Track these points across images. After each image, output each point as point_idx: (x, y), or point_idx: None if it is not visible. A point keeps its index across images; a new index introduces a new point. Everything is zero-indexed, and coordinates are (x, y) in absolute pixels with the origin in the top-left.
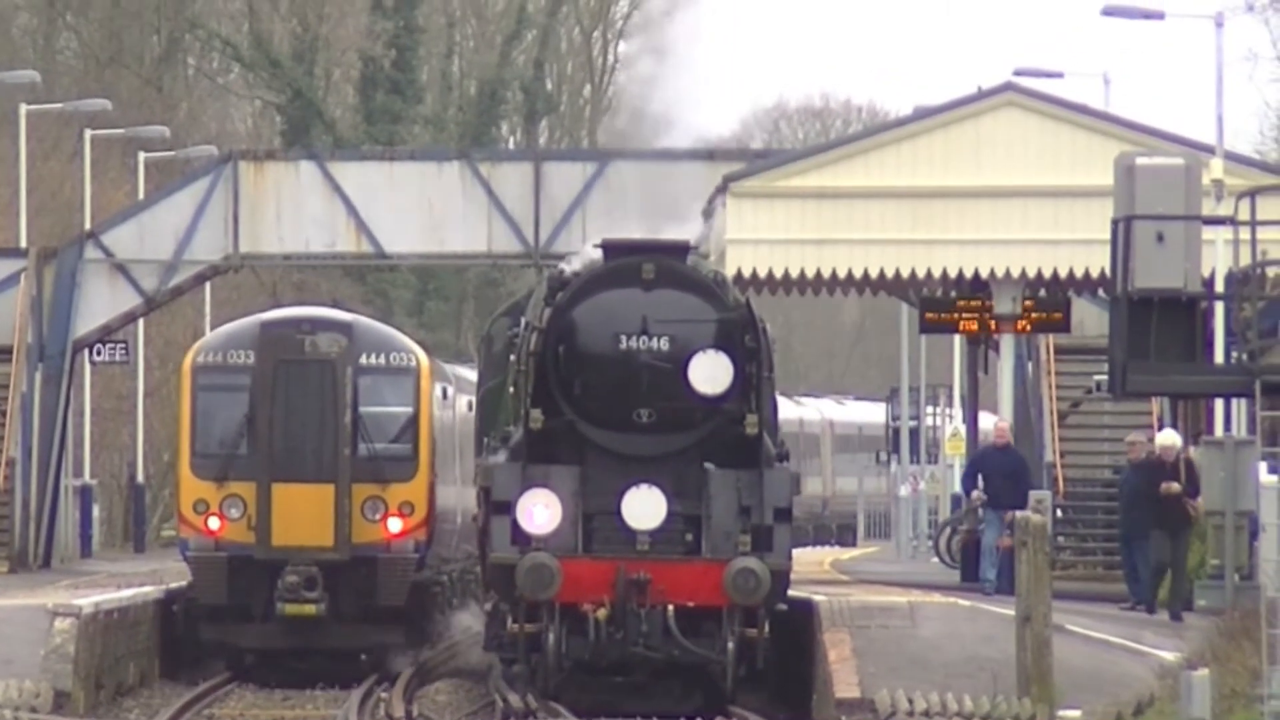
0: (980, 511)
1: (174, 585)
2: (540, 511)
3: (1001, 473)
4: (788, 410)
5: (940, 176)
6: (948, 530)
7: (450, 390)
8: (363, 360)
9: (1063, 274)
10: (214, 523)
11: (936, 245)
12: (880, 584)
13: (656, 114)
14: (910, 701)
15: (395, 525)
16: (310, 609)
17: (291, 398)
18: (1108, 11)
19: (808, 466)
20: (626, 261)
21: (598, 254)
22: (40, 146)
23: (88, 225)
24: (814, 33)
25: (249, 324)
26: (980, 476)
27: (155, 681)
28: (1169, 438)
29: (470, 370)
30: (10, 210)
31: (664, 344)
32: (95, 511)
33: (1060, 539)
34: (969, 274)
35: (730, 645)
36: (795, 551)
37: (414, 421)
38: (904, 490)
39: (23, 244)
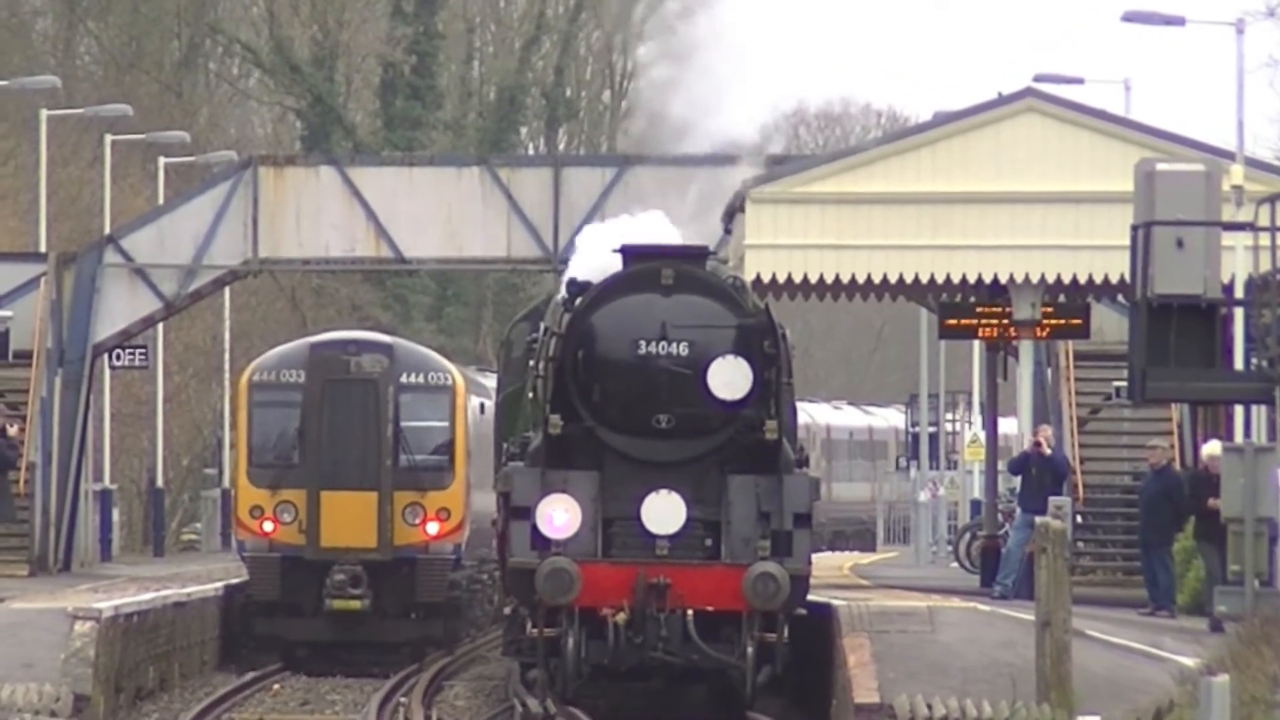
0: (1002, 515)
1: (233, 582)
2: (560, 516)
3: (1040, 479)
4: None
5: (960, 182)
6: (967, 535)
7: (487, 404)
8: (403, 379)
9: (1082, 280)
10: (268, 526)
11: (956, 251)
12: (899, 589)
13: (675, 119)
14: (929, 707)
15: (433, 528)
16: (356, 604)
17: (338, 413)
18: (1128, 17)
19: None
20: (646, 267)
21: (602, 250)
22: (60, 151)
23: (107, 230)
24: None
25: (300, 346)
26: (1020, 479)
27: (200, 673)
28: (1216, 448)
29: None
30: (30, 215)
31: (683, 349)
32: (115, 516)
33: (1080, 544)
34: (988, 279)
35: (749, 650)
36: (814, 556)
37: (450, 434)
38: (923, 495)
39: (43, 249)
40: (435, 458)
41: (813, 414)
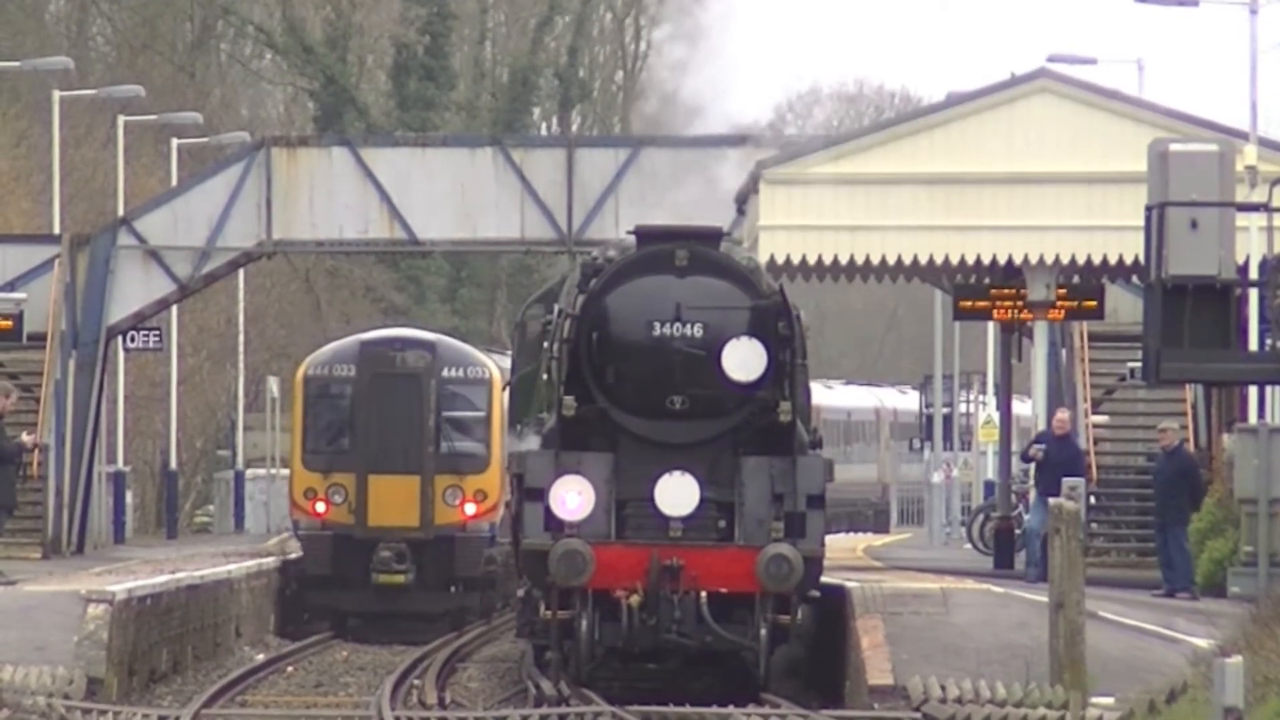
0: (1015, 497)
1: (288, 557)
2: (573, 498)
3: (1058, 462)
4: None
5: (974, 163)
6: (981, 517)
7: None
8: (444, 373)
9: (1096, 260)
10: (320, 507)
11: (970, 232)
12: (913, 570)
13: (689, 100)
14: (943, 688)
15: (471, 509)
16: (400, 579)
17: (385, 404)
18: None
19: None
20: (660, 248)
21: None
22: (73, 133)
23: (121, 212)
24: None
25: (351, 343)
26: (1035, 462)
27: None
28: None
29: None
30: (44, 197)
31: (697, 331)
32: (128, 498)
33: (1094, 526)
34: (1002, 260)
35: (763, 632)
36: (827, 538)
37: (486, 423)
38: (937, 477)
39: (56, 230)
40: (473, 444)
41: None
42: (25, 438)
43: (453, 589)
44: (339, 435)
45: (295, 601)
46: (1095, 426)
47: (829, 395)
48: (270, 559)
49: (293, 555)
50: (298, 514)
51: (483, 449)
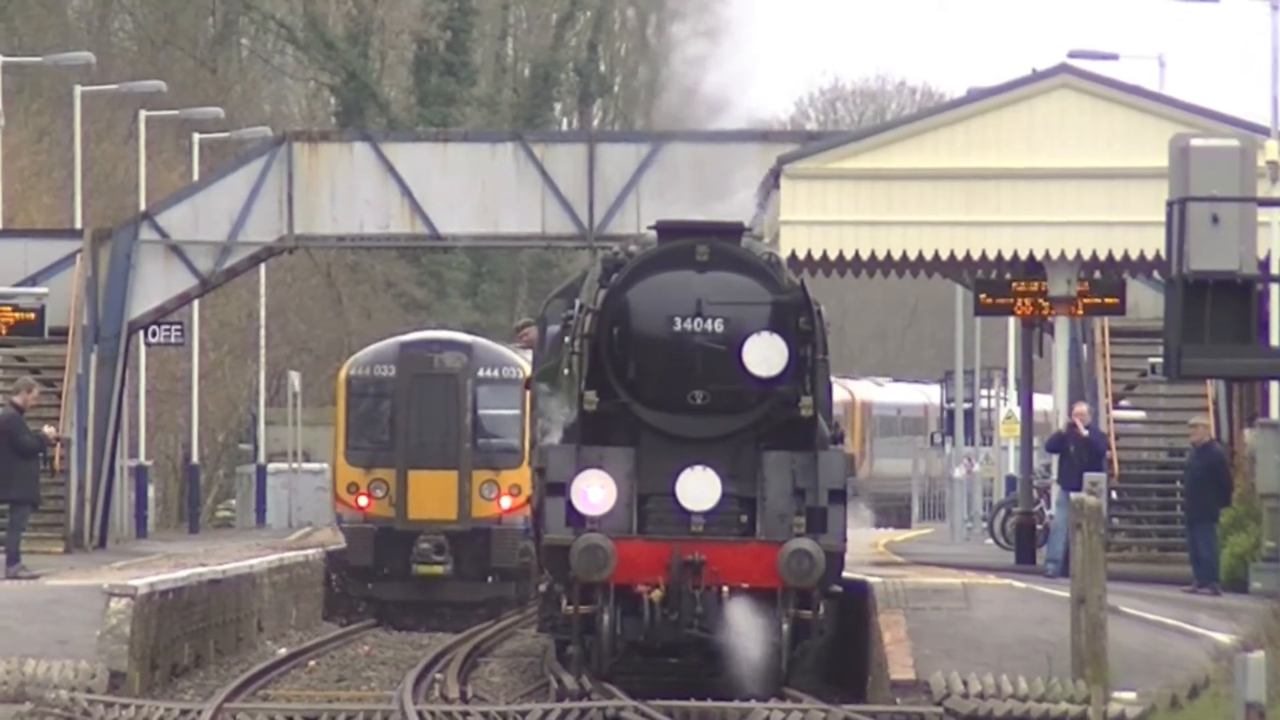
0: (1037, 492)
1: (332, 548)
2: (595, 492)
3: (1081, 457)
4: None
5: (994, 158)
6: (1002, 512)
7: None
8: (480, 373)
9: (1117, 256)
10: (363, 501)
11: (990, 227)
12: (934, 566)
13: (709, 96)
14: (965, 683)
15: (506, 503)
16: (439, 569)
17: (424, 403)
18: None
19: None
20: (681, 243)
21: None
22: (95, 128)
23: (142, 206)
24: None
25: (391, 344)
26: (1058, 457)
27: (236, 650)
28: None
29: None
30: (65, 191)
31: (718, 326)
32: (150, 492)
33: (1115, 521)
34: (1023, 256)
35: (785, 627)
36: (849, 533)
37: (520, 421)
38: (958, 472)
39: (78, 225)
40: (508, 441)
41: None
42: (47, 430)
43: (489, 579)
44: (380, 433)
45: (340, 591)
46: (1129, 421)
47: (879, 392)
48: (314, 550)
49: (332, 547)
50: (341, 507)
51: (517, 445)
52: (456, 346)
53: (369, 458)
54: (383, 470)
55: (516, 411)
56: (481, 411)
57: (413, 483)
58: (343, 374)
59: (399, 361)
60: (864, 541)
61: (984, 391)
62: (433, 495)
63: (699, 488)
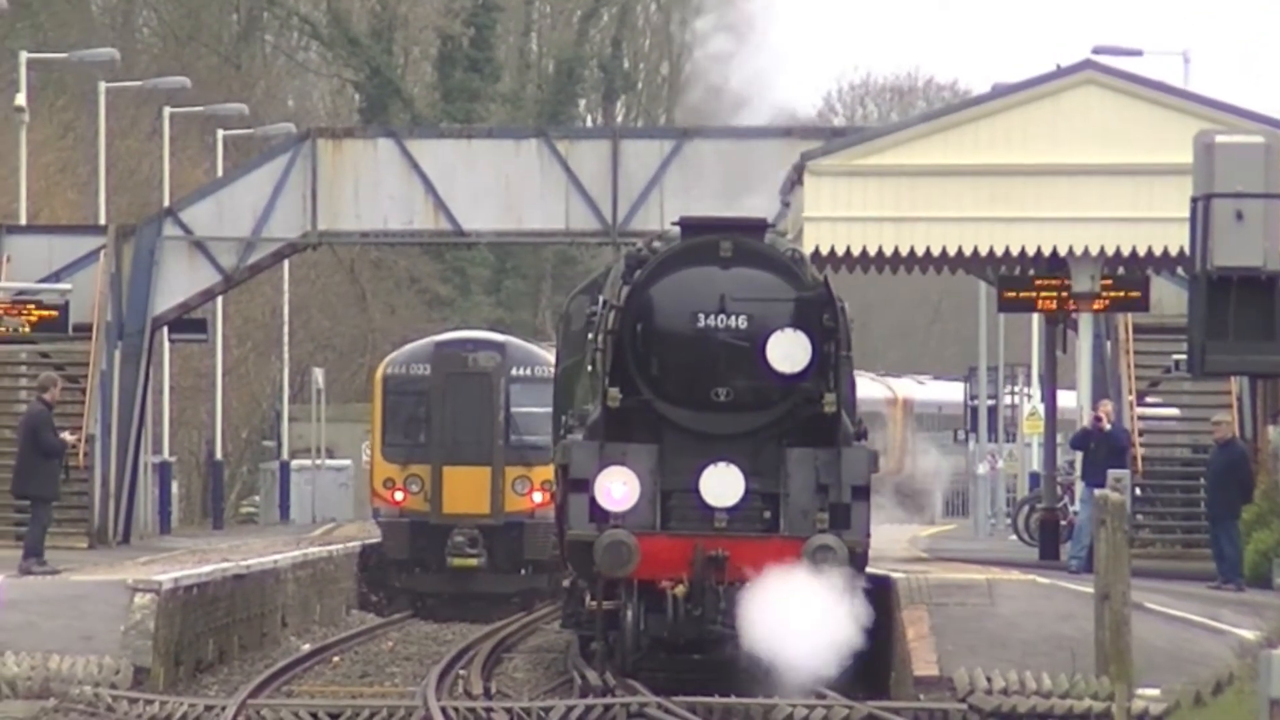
0: (1060, 488)
1: (368, 542)
2: (618, 489)
3: (1104, 453)
4: None
5: (1019, 154)
6: (1026, 508)
7: None
8: (513, 372)
9: (1141, 252)
10: (399, 496)
11: (1014, 223)
12: (958, 561)
13: (733, 92)
14: (988, 680)
15: (538, 497)
16: (473, 562)
17: (458, 401)
18: None
19: None
20: (704, 239)
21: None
22: (119, 124)
23: (166, 203)
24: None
25: (426, 344)
26: (1081, 454)
27: (260, 646)
28: None
29: None
30: (89, 187)
31: (742, 322)
32: (174, 488)
33: (1139, 517)
34: (1047, 252)
35: None
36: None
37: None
38: (982, 468)
39: (102, 221)
40: (540, 438)
41: None
42: (68, 436)
43: (522, 572)
44: (416, 430)
45: (376, 583)
46: (1160, 418)
47: (921, 390)
48: (347, 545)
49: (368, 540)
50: (378, 502)
51: (549, 441)
52: (490, 346)
53: (405, 454)
54: (418, 466)
55: (548, 409)
56: (514, 409)
57: (447, 478)
58: (379, 373)
59: (434, 360)
60: (888, 537)
61: (1008, 388)
62: (467, 490)
63: (722, 484)
